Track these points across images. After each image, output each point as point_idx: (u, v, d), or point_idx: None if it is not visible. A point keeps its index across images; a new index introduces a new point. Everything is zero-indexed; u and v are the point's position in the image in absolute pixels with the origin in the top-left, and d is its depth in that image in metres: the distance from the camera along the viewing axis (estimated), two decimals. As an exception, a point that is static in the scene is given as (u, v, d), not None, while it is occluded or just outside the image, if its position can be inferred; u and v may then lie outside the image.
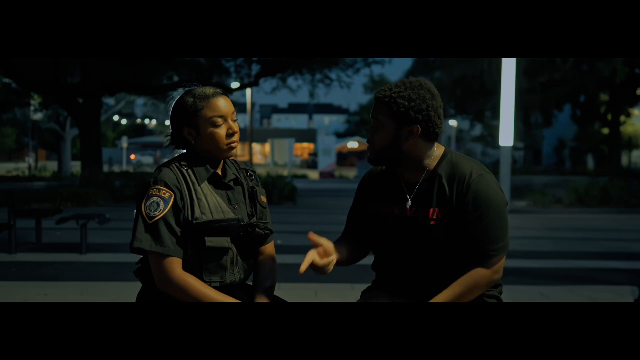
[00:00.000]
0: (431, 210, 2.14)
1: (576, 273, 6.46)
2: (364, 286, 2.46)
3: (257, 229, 2.20)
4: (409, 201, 2.17)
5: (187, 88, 2.20)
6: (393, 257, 2.23)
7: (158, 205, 2.07)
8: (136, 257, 2.22)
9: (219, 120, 2.13)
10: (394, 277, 2.24)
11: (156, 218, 2.06)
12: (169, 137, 2.24)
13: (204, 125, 2.13)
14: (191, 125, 2.15)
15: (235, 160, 2.32)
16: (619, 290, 5.48)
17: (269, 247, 2.30)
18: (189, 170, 2.15)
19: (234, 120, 2.17)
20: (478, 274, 2.11)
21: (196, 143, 2.17)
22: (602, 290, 5.53)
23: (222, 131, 2.14)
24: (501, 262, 2.13)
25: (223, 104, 2.15)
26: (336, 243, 2.23)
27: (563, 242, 8.90)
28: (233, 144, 2.16)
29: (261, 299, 2.17)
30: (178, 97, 2.19)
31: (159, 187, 2.09)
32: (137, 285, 2.25)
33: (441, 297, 2.10)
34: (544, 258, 7.30)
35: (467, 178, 2.11)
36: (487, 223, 2.09)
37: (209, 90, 2.17)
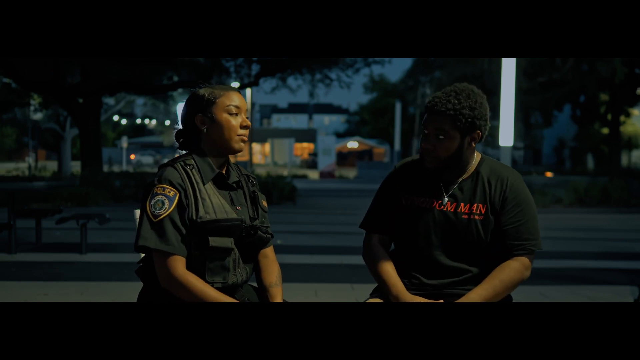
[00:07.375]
0: (475, 205, 2.25)
1: (576, 273, 6.46)
2: (364, 286, 2.47)
3: (259, 232, 2.22)
4: (446, 197, 2.27)
5: (201, 86, 2.24)
6: (422, 248, 2.28)
7: (163, 203, 2.07)
8: (137, 257, 2.22)
9: (235, 109, 2.17)
10: (419, 267, 2.29)
11: (161, 216, 2.06)
12: (177, 130, 2.26)
13: (220, 112, 2.16)
14: (206, 113, 2.17)
15: (237, 165, 2.34)
16: (619, 290, 5.47)
17: (269, 251, 2.33)
18: (193, 170, 2.16)
19: (247, 118, 2.22)
20: (513, 269, 2.20)
21: (208, 132, 2.17)
22: (602, 290, 5.53)
23: (237, 121, 2.17)
24: (531, 261, 2.24)
25: (240, 98, 2.21)
26: (390, 271, 2.29)
27: (563, 242, 8.89)
28: (244, 137, 2.19)
29: (277, 298, 2.22)
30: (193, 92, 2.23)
31: (164, 185, 2.10)
32: (137, 285, 2.25)
33: (480, 292, 2.16)
34: (544, 258, 7.29)
35: (508, 179, 2.26)
36: (527, 220, 2.23)
37: (227, 86, 2.25)
